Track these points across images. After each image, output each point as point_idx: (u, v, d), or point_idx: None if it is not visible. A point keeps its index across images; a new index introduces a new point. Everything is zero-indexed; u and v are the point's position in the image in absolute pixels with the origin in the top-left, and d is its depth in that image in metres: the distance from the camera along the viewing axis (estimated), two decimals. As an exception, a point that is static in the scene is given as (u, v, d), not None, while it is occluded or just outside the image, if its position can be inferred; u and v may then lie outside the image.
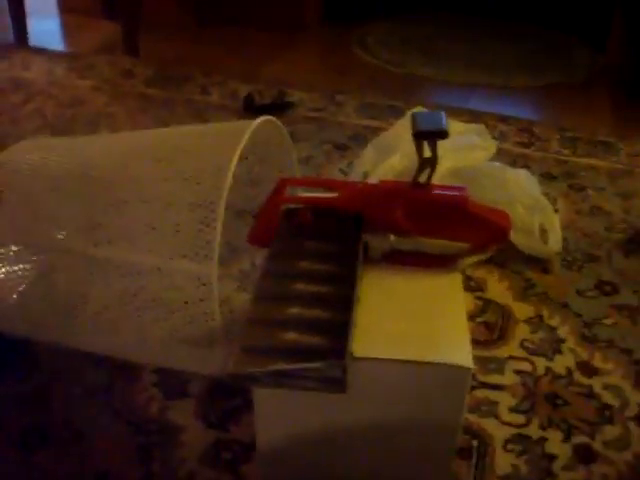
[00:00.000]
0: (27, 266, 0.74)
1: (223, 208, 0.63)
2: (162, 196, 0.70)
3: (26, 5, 1.99)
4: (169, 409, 0.75)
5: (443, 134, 0.66)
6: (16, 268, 0.74)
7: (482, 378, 0.80)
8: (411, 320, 0.61)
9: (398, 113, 1.29)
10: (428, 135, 0.67)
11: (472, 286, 0.96)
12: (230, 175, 0.64)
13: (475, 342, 0.85)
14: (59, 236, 0.75)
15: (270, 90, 1.63)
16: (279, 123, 0.79)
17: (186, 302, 0.65)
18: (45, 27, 2.25)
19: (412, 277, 0.67)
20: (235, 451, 0.71)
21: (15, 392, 0.77)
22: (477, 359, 0.81)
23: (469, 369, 0.56)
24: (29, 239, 0.74)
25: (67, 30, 2.31)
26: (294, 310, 0.60)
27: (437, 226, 0.69)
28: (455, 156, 1.02)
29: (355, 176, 1.07)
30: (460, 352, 0.57)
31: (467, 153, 1.03)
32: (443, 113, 0.69)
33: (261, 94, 1.61)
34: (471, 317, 0.90)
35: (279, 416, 0.62)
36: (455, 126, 1.15)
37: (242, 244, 0.93)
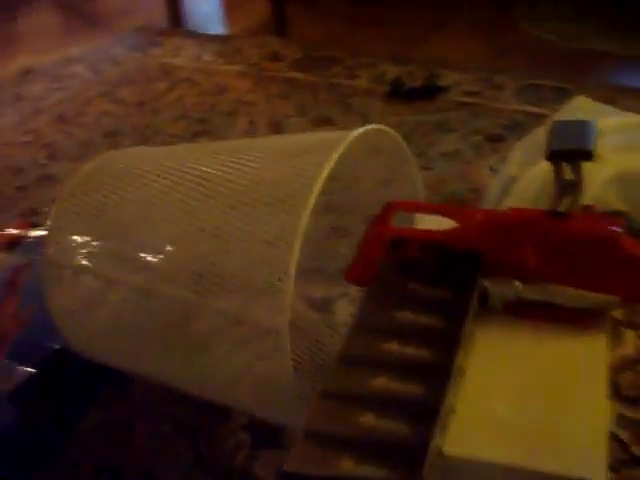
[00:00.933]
0: (110, 288, 0.67)
1: (299, 245, 0.52)
2: (255, 225, 0.60)
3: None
4: (257, 460, 0.67)
5: (587, 155, 0.51)
6: (99, 286, 0.68)
7: (637, 451, 0.63)
8: (530, 403, 0.47)
9: (566, 97, 1.11)
10: (566, 156, 0.52)
11: (636, 322, 0.78)
12: (310, 205, 0.53)
13: (631, 401, 0.68)
14: (150, 258, 0.68)
15: (421, 72, 1.49)
16: (393, 133, 0.67)
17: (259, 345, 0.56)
18: (205, 9, 2.24)
19: (540, 338, 0.53)
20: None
21: (96, 422, 0.72)
22: (632, 423, 0.65)
23: (599, 487, 0.42)
24: (113, 255, 0.68)
25: (225, 11, 2.28)
26: (380, 381, 0.48)
27: (578, 271, 0.54)
28: (622, 158, 0.84)
29: (500, 180, 0.92)
30: (591, 460, 0.43)
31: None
32: (593, 123, 0.54)
33: (412, 76, 1.48)
34: (630, 363, 0.73)
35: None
36: (629, 119, 0.96)
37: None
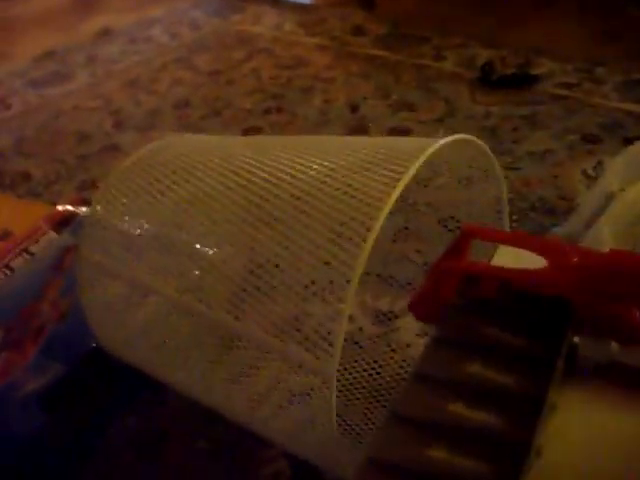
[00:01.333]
0: (147, 299, 0.61)
1: (353, 292, 0.44)
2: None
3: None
4: (295, 496, 0.60)
5: None
6: (136, 296, 0.62)
7: None
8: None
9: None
10: None
11: None
12: (366, 253, 0.45)
13: None
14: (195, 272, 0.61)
15: (514, 58, 1.37)
16: (480, 143, 0.58)
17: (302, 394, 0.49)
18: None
19: (636, 413, 0.44)
20: None
21: (128, 431, 0.66)
22: None
23: None
24: (154, 262, 0.62)
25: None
26: (436, 453, 0.40)
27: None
28: None
29: (596, 195, 0.82)
30: None
31: None
32: None
33: (504, 62, 1.37)
34: None
35: None
36: None
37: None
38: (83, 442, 0.66)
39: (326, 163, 0.55)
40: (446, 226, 0.76)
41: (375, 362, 0.72)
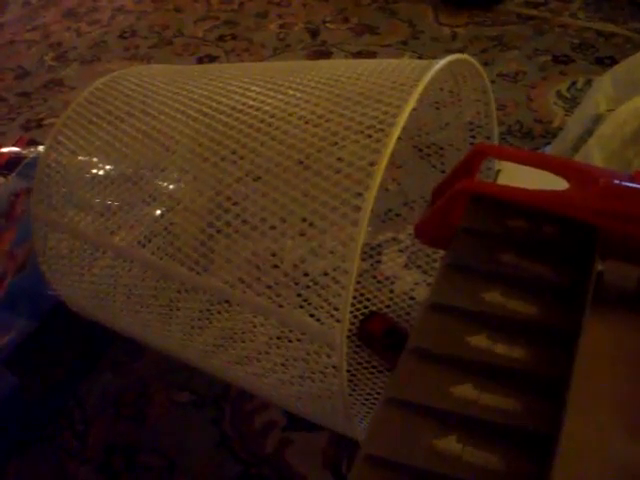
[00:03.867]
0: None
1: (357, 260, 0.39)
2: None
3: None
4: (290, 445, 0.56)
5: None
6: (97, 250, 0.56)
7: None
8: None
9: (644, 14, 0.95)
10: None
11: None
12: (372, 198, 0.40)
13: None
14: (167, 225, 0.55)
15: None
16: (475, 63, 0.53)
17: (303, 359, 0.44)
18: None
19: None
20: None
21: (106, 391, 0.61)
22: None
23: None
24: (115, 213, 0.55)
25: None
26: (463, 390, 0.36)
27: None
28: None
29: (582, 117, 0.78)
30: None
31: None
32: None
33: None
34: None
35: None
36: None
37: (419, 195, 0.71)
38: (57, 403, 0.61)
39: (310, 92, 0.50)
40: (421, 150, 0.71)
41: (362, 295, 0.68)
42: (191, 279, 0.47)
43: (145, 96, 0.57)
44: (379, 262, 0.72)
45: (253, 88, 0.53)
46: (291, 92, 0.51)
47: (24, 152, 0.82)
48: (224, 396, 0.60)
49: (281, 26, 1.22)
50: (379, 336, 0.63)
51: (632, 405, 0.37)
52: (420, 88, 0.43)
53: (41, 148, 0.81)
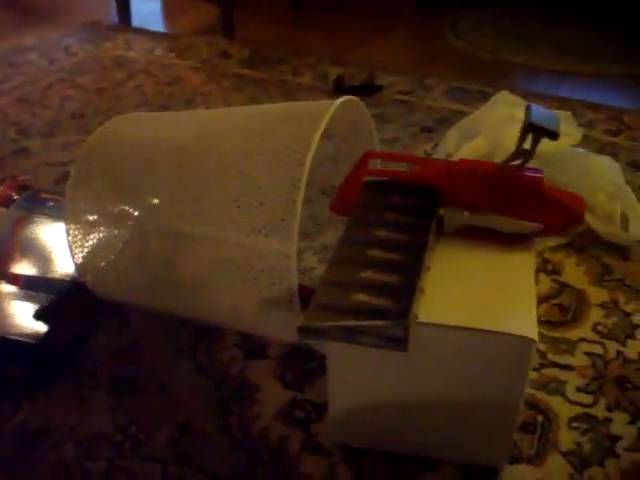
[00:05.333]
0: (124, 231, 0.80)
1: (304, 187, 0.66)
2: (248, 172, 0.73)
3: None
4: (249, 369, 0.80)
5: (554, 136, 0.66)
6: (115, 231, 0.80)
7: (552, 357, 0.81)
8: (478, 291, 0.64)
9: (487, 98, 1.29)
10: (542, 131, 0.66)
11: (549, 269, 0.97)
12: (311, 154, 0.67)
13: (548, 323, 0.86)
14: (154, 201, 0.81)
15: (360, 73, 1.66)
16: (361, 103, 0.82)
17: (266, 270, 0.69)
18: (147, 9, 2.36)
19: (484, 252, 0.69)
20: (308, 410, 0.75)
21: (108, 348, 0.84)
22: (548, 339, 0.83)
23: (533, 340, 0.58)
24: (124, 204, 0.80)
25: (167, 12, 2.40)
26: (367, 274, 0.63)
27: (511, 205, 0.70)
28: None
29: (439, 157, 1.09)
30: (525, 324, 0.59)
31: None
32: (555, 113, 0.70)
33: (351, 77, 1.65)
34: (546, 299, 0.91)
35: (349, 379, 0.66)
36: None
37: (326, 219, 0.98)
38: (69, 353, 0.82)
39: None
40: (325, 192, 0.99)
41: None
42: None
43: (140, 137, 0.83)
44: (300, 260, 0.98)
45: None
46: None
47: (15, 194, 1.04)
48: (198, 346, 0.84)
49: (207, 109, 1.50)
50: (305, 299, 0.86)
51: (465, 279, 0.64)
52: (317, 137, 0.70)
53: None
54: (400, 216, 0.71)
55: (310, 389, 0.78)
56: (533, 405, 0.75)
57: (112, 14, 2.18)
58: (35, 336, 0.77)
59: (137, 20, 2.14)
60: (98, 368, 0.81)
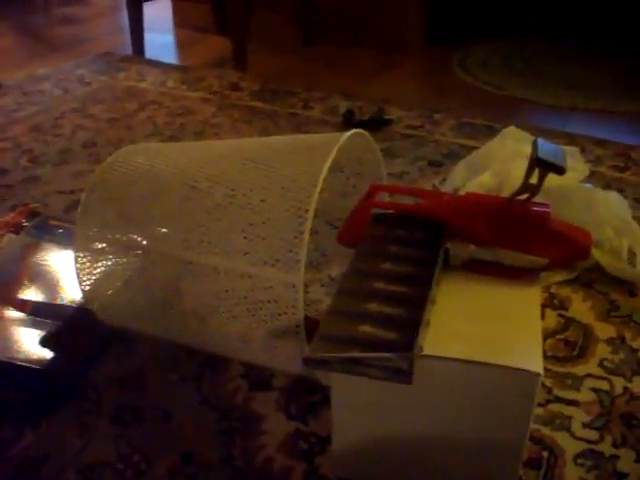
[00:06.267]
0: (132, 259, 0.80)
1: (311, 218, 0.66)
2: (256, 204, 0.74)
3: (144, 21, 2.13)
4: (253, 399, 0.80)
5: (561, 171, 0.66)
6: (123, 260, 0.81)
7: (558, 393, 0.80)
8: (484, 325, 0.64)
9: (495, 133, 1.30)
10: (549, 166, 0.66)
11: (555, 304, 0.96)
12: (319, 186, 0.68)
13: (554, 358, 0.86)
14: (162, 231, 0.81)
15: (369, 107, 1.68)
16: (369, 136, 0.83)
17: (273, 301, 0.69)
18: (161, 41, 2.39)
19: (490, 286, 0.69)
20: (312, 443, 0.75)
21: (113, 375, 0.84)
22: (554, 374, 0.82)
23: (539, 374, 0.58)
24: (132, 233, 0.81)
25: (180, 45, 2.44)
26: (372, 306, 0.63)
27: (518, 239, 0.71)
28: (546, 176, 1.03)
29: (446, 191, 1.10)
30: (531, 358, 0.59)
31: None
32: (562, 149, 0.70)
33: (361, 110, 1.66)
34: (552, 334, 0.90)
35: (353, 411, 0.66)
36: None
37: (333, 251, 0.98)
38: (74, 380, 0.82)
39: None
40: (332, 224, 1.00)
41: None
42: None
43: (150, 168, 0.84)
44: (307, 291, 0.99)
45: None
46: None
47: (24, 220, 1.05)
48: (202, 375, 0.84)
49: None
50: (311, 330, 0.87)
51: (471, 313, 0.65)
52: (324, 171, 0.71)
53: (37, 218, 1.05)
54: (406, 249, 0.71)
55: (314, 421, 0.77)
56: (538, 440, 0.74)
57: (126, 45, 2.22)
58: (40, 362, 0.77)
59: (150, 52, 2.17)
60: (102, 395, 0.81)
